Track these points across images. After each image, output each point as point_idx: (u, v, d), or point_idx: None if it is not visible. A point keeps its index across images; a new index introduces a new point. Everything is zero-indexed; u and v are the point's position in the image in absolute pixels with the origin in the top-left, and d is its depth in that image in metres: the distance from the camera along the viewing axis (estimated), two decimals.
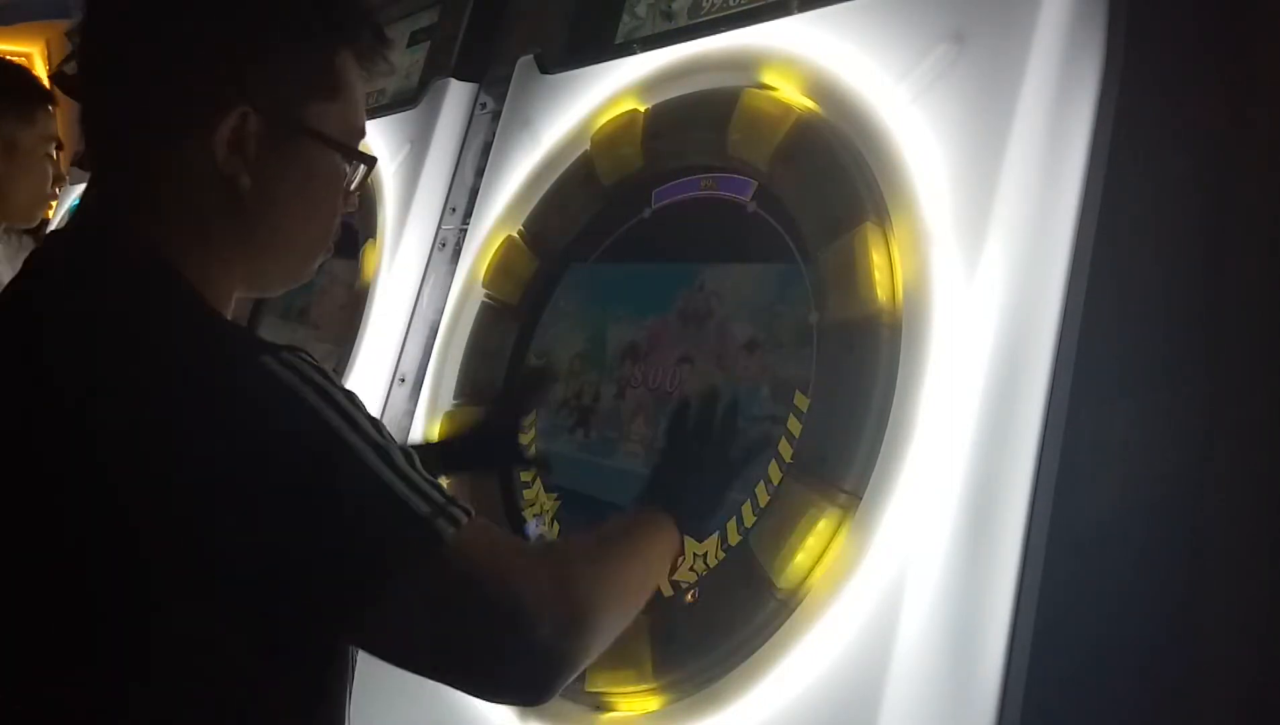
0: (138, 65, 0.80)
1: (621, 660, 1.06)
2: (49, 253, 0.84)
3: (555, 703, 1.12)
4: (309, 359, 0.73)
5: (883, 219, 1.00)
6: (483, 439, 1.29)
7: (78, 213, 0.85)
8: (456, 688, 0.78)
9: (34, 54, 4.55)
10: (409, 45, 2.10)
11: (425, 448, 1.27)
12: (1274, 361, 0.88)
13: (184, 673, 0.71)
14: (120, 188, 0.82)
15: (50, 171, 1.97)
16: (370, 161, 0.88)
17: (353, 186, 0.88)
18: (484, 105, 1.76)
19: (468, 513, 0.74)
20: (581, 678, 1.09)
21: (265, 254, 0.85)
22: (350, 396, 0.73)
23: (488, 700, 0.79)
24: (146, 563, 0.68)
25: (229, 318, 0.84)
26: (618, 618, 0.83)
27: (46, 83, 2.12)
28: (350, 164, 0.87)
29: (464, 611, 0.72)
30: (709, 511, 1.02)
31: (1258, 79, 0.95)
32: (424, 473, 0.74)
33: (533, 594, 0.73)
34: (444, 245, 1.72)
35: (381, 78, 0.89)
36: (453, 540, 0.71)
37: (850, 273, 0.99)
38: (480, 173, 1.63)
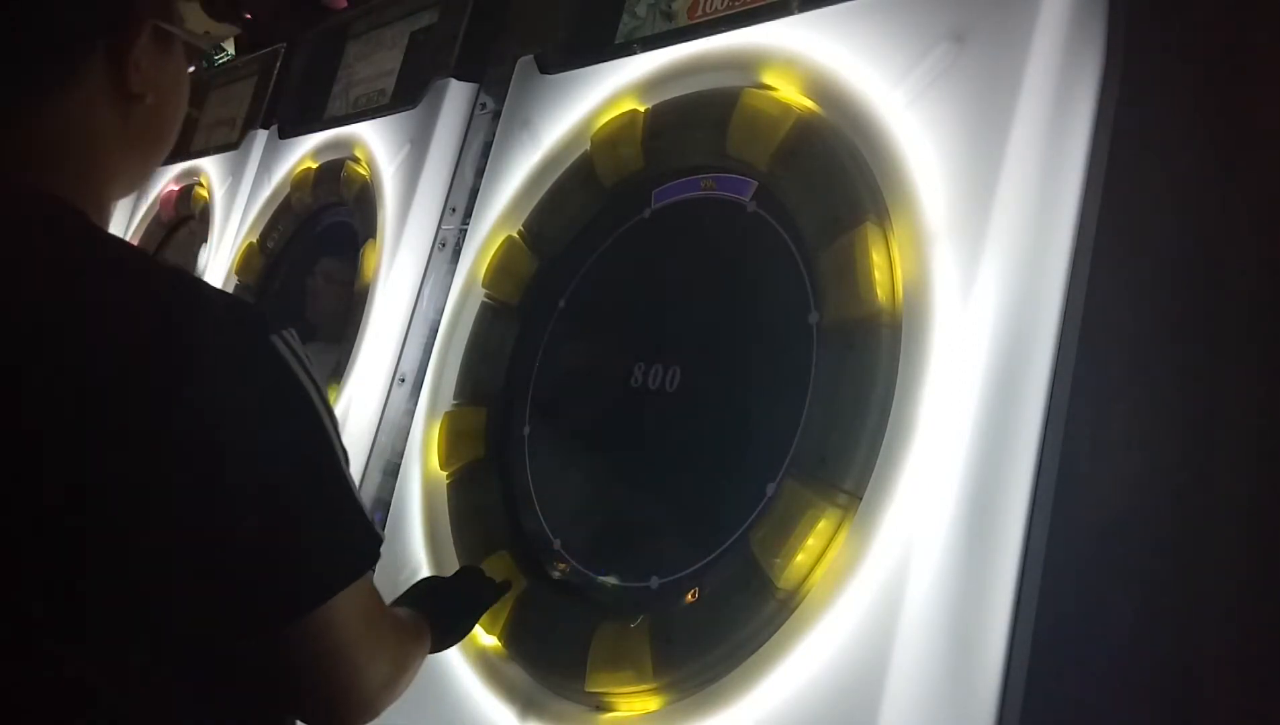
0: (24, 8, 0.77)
1: (621, 660, 1.06)
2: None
3: (555, 702, 1.12)
4: (296, 337, 0.74)
5: (883, 219, 1.00)
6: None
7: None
8: (330, 698, 0.80)
9: None
10: (409, 45, 2.10)
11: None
12: (1274, 361, 0.88)
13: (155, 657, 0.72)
14: (22, 129, 0.78)
15: None
16: (208, 54, 0.93)
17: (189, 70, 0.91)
18: (484, 105, 1.76)
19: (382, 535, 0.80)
20: (582, 678, 1.09)
21: (149, 158, 0.87)
22: (322, 389, 0.75)
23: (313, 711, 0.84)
24: (121, 534, 0.68)
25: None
26: (404, 685, 0.90)
27: None
28: (199, 54, 0.92)
29: (350, 632, 0.76)
30: (445, 646, 1.10)
31: (1258, 78, 0.95)
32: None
33: (381, 647, 0.81)
34: (444, 245, 1.72)
35: None
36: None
37: (850, 273, 0.99)
38: (480, 173, 1.63)
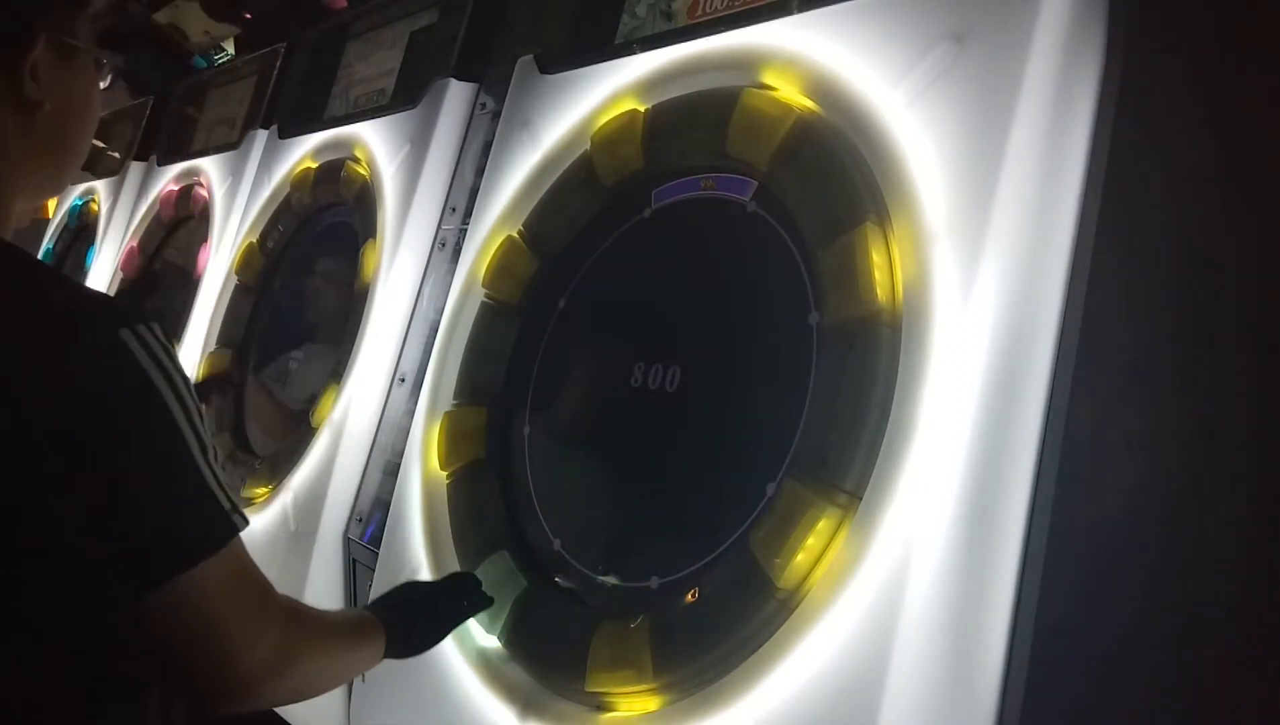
0: None
1: (621, 660, 1.06)
2: None
3: (555, 702, 1.12)
4: (161, 334, 0.78)
5: (883, 219, 1.00)
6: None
7: None
8: (156, 680, 0.86)
9: None
10: (409, 45, 2.10)
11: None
12: (1274, 361, 0.88)
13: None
14: None
15: None
16: (116, 61, 0.95)
17: (105, 85, 0.94)
18: (484, 105, 1.76)
19: (247, 521, 0.82)
20: (582, 678, 1.09)
21: (55, 171, 0.90)
22: (186, 382, 0.79)
23: (194, 682, 0.86)
24: None
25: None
26: (299, 694, 0.93)
27: None
28: (100, 67, 0.92)
29: (222, 611, 0.80)
30: (410, 653, 1.12)
31: (1257, 78, 0.95)
32: (223, 472, 0.82)
33: (259, 635, 0.83)
34: (444, 245, 1.72)
35: None
36: (237, 540, 0.81)
37: (850, 273, 0.99)
38: (480, 173, 1.63)
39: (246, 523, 0.82)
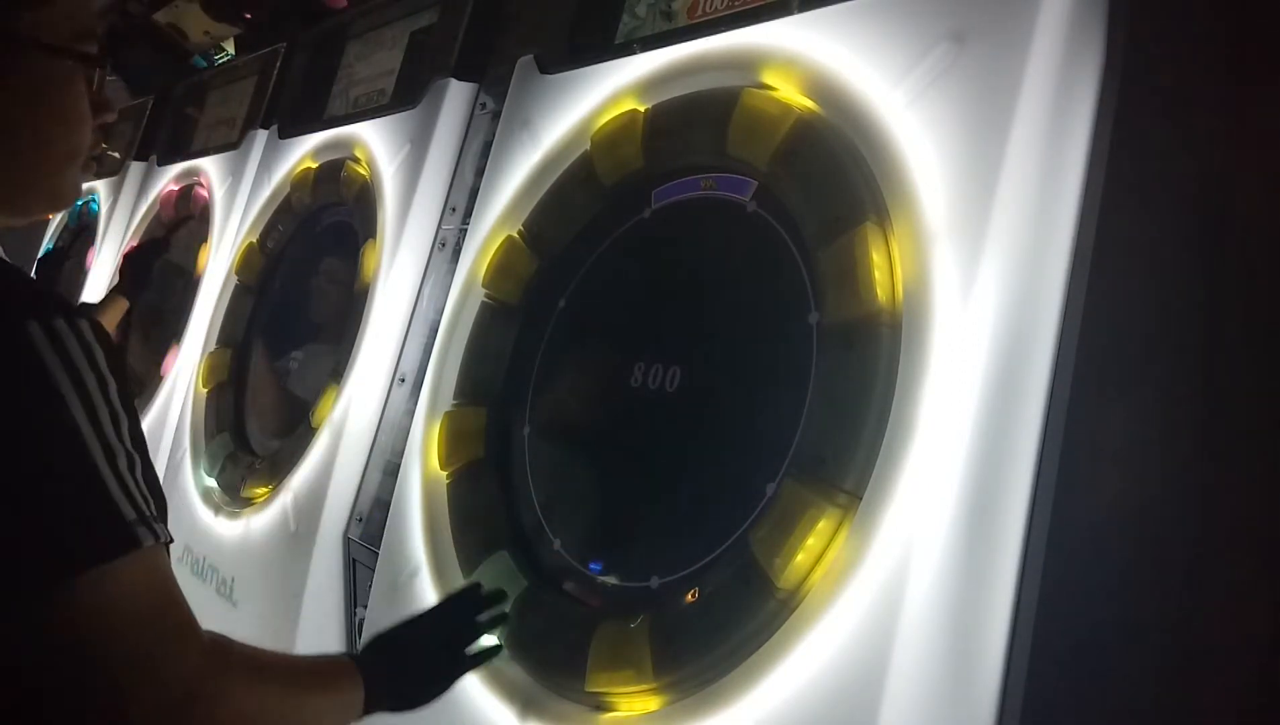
0: None
1: (621, 660, 1.06)
2: None
3: (555, 702, 1.12)
4: (85, 333, 0.72)
5: (883, 219, 1.00)
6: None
7: None
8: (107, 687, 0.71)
9: None
10: (409, 45, 2.10)
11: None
12: (1273, 361, 0.88)
13: None
14: None
15: None
16: (97, 62, 0.84)
17: (98, 89, 0.85)
18: (484, 105, 1.76)
19: (168, 540, 0.74)
20: (581, 678, 1.09)
21: (13, 180, 0.82)
22: (104, 383, 0.72)
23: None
24: None
25: None
26: None
27: None
28: (88, 67, 0.82)
29: (122, 627, 0.70)
30: (403, 705, 1.00)
31: (1257, 78, 0.95)
32: (146, 487, 0.74)
33: (170, 660, 0.72)
34: (444, 245, 1.72)
35: None
36: (145, 551, 0.71)
37: (850, 273, 0.99)
38: (480, 173, 1.63)
39: (158, 538, 0.73)
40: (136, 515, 0.72)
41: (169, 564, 0.76)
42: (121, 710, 0.69)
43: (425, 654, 1.05)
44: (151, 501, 0.74)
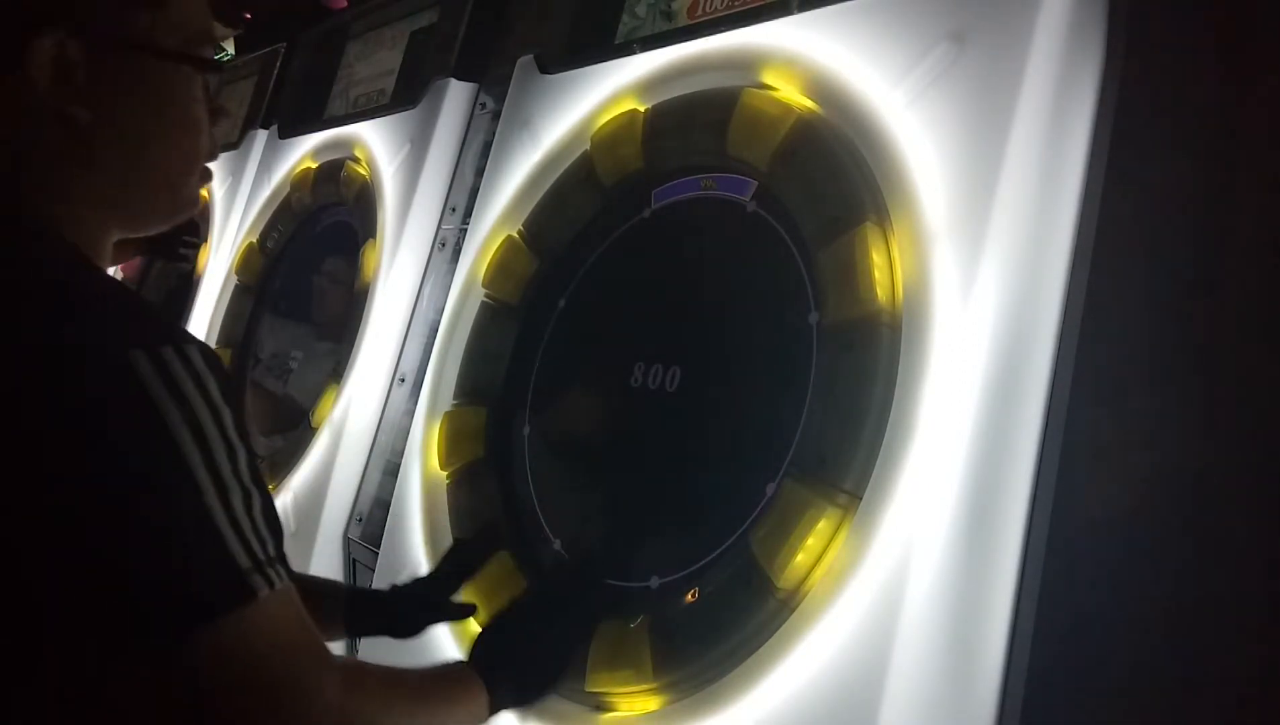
0: None
1: (621, 660, 1.06)
2: None
3: (555, 702, 1.12)
4: (195, 360, 0.69)
5: (883, 219, 1.00)
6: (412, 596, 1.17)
7: None
8: None
9: None
10: (409, 45, 2.10)
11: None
12: (1274, 361, 0.88)
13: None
14: None
15: None
16: (214, 67, 0.81)
17: (215, 94, 0.83)
18: (484, 105, 1.76)
19: (287, 578, 0.72)
20: (581, 677, 1.09)
21: (130, 189, 0.79)
22: (218, 416, 0.69)
23: None
24: None
25: (103, 264, 0.79)
26: None
27: None
28: (205, 72, 0.80)
29: (244, 679, 0.69)
30: (531, 694, 0.99)
31: (1257, 78, 0.95)
32: (261, 522, 0.71)
33: (307, 699, 0.71)
34: (444, 245, 1.72)
35: None
36: (263, 600, 0.69)
37: (850, 273, 0.99)
38: (480, 173, 1.63)
39: (275, 582, 0.70)
40: (252, 563, 0.68)
41: (294, 597, 0.73)
42: None
43: (536, 640, 1.03)
44: (270, 542, 0.71)
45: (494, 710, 0.94)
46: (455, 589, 1.15)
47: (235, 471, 0.69)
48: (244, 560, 0.68)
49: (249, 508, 0.70)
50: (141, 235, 0.83)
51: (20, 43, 0.71)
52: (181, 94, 0.79)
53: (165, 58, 0.77)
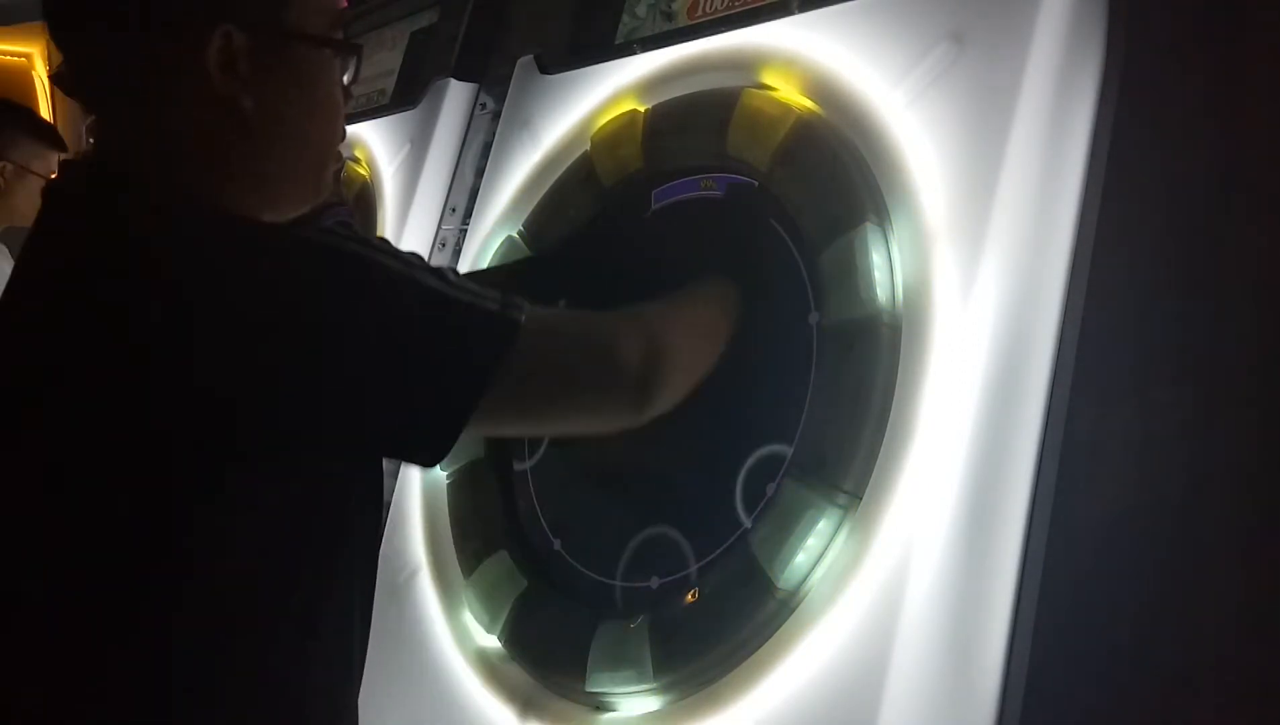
0: (116, 7, 0.79)
1: (621, 660, 1.06)
2: (64, 209, 0.82)
3: (555, 702, 1.13)
4: (341, 230, 0.77)
5: (883, 219, 1.00)
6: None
7: (90, 172, 0.84)
8: (569, 430, 0.98)
9: (34, 54, 4.55)
10: (409, 45, 2.10)
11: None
12: (1273, 361, 0.88)
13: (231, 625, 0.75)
14: (130, 138, 0.81)
15: None
16: (357, 49, 0.89)
17: (348, 79, 0.89)
18: (484, 105, 1.76)
19: (524, 304, 0.81)
20: (581, 678, 1.09)
21: (285, 170, 0.85)
22: (385, 242, 0.80)
23: (597, 430, 0.94)
24: (231, 434, 0.71)
25: None
26: (693, 352, 0.95)
27: (47, 82, 2.24)
28: (340, 56, 0.87)
29: (561, 359, 0.82)
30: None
31: (1257, 78, 0.95)
32: (473, 283, 0.80)
33: (612, 332, 0.85)
34: (444, 245, 1.72)
35: None
36: (527, 320, 0.79)
37: (850, 273, 0.99)
38: (480, 173, 1.63)
39: (521, 307, 0.80)
40: (498, 305, 0.79)
41: (544, 312, 0.84)
42: (616, 406, 0.87)
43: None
44: (492, 288, 0.80)
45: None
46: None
47: (423, 261, 0.80)
48: (492, 305, 0.79)
49: (461, 279, 0.80)
50: (286, 217, 0.88)
51: (197, 37, 0.77)
52: (325, 77, 0.85)
53: (313, 44, 0.83)
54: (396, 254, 0.77)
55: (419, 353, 0.75)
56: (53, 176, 2.04)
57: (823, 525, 0.95)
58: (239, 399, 0.71)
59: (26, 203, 2.29)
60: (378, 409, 0.76)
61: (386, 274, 0.75)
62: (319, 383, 0.72)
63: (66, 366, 0.72)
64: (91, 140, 0.88)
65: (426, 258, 1.70)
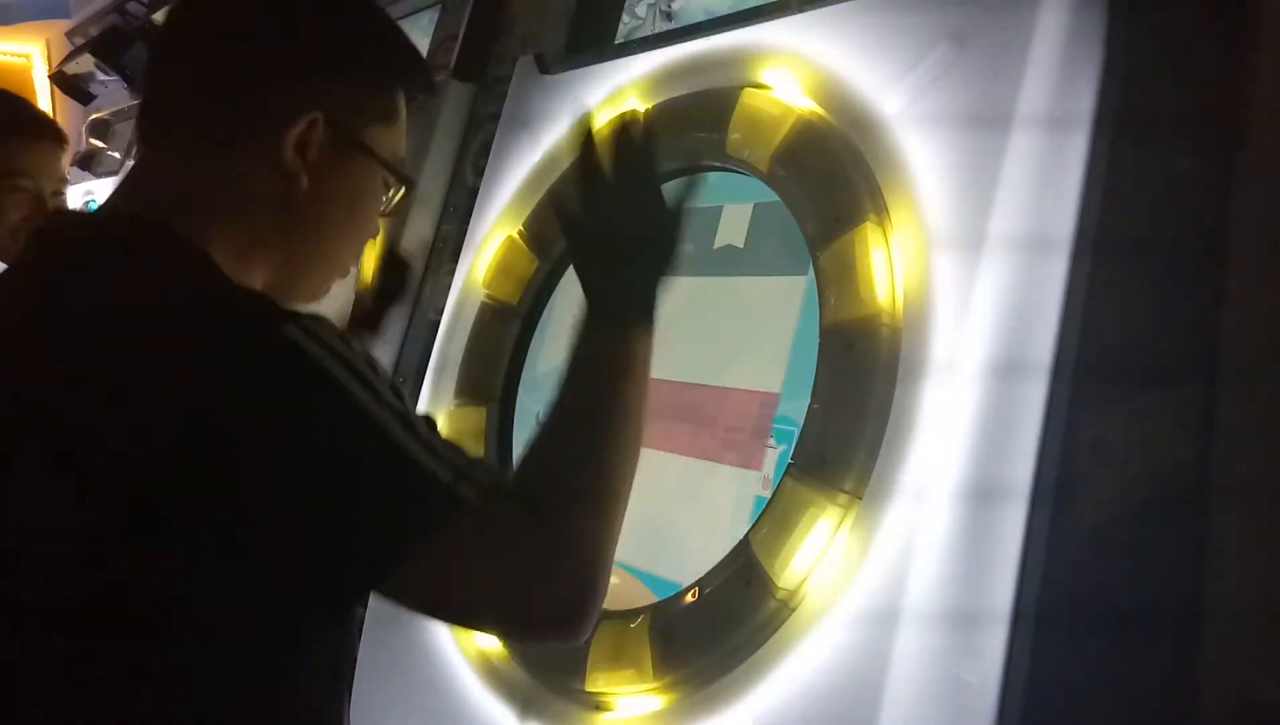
0: (227, 59, 0.82)
1: (621, 660, 1.06)
2: (70, 232, 0.83)
3: (555, 702, 1.13)
4: (330, 326, 0.74)
5: (883, 219, 1.00)
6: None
7: (119, 193, 0.86)
8: (491, 632, 0.85)
9: (34, 54, 4.55)
10: None
11: None
12: (1274, 361, 0.88)
13: (207, 653, 0.72)
14: (172, 174, 0.83)
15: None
16: (411, 184, 0.93)
17: (387, 209, 0.93)
18: (484, 105, 1.76)
19: (490, 472, 0.77)
20: (581, 678, 1.09)
21: (307, 255, 0.88)
22: (372, 363, 0.75)
23: (523, 641, 0.90)
24: (178, 535, 0.69)
25: None
26: (609, 504, 0.84)
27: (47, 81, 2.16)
28: (389, 188, 0.91)
29: (494, 558, 0.75)
30: (651, 292, 0.89)
31: (1257, 78, 0.95)
32: (442, 440, 0.76)
33: (551, 561, 0.77)
34: (444, 245, 1.72)
35: (411, 117, 0.93)
36: (476, 502, 0.74)
37: (850, 273, 0.99)
38: (480, 173, 1.63)
39: (475, 485, 0.74)
40: (453, 474, 0.74)
41: (498, 495, 0.76)
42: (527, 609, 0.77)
43: (629, 243, 0.90)
44: (457, 452, 0.76)
45: (644, 334, 0.88)
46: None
47: (398, 401, 0.75)
48: (446, 475, 0.74)
49: (433, 429, 0.76)
50: (294, 305, 0.87)
51: (290, 113, 0.81)
52: (373, 195, 0.90)
53: (377, 161, 0.87)
54: (375, 386, 0.73)
55: (350, 496, 0.72)
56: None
57: (823, 525, 0.95)
58: (183, 463, 0.69)
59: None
60: (296, 539, 0.71)
61: (354, 409, 0.72)
62: (255, 487, 0.70)
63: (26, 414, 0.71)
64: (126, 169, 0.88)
65: (426, 258, 1.72)
